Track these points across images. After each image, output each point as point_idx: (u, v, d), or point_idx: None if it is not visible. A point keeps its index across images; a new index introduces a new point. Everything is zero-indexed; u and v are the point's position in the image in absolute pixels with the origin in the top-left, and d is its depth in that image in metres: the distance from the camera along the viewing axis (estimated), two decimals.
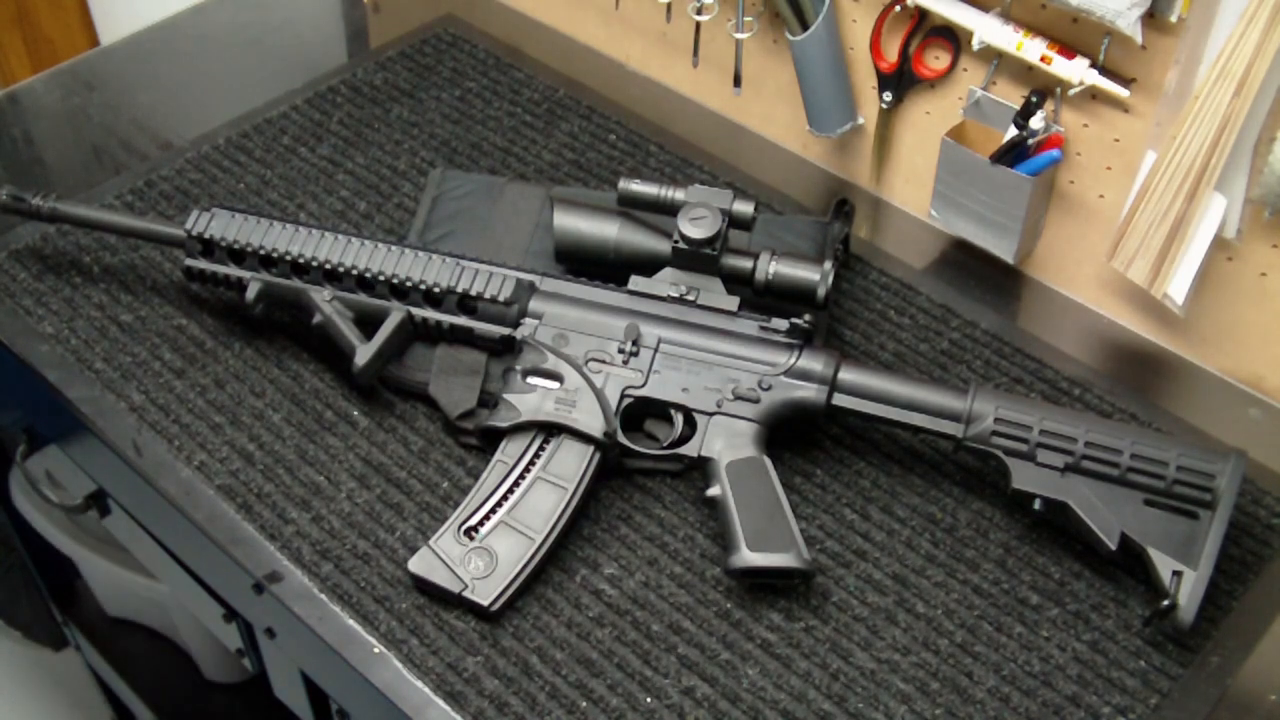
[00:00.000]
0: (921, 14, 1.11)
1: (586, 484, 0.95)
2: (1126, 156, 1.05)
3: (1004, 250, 1.14)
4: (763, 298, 1.01)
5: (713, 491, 0.94)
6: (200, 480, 0.98)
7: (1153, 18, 0.96)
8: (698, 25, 1.27)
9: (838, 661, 0.89)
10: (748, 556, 0.90)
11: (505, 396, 0.97)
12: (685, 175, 1.25)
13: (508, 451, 0.96)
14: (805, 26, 1.15)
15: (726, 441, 0.96)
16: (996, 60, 1.09)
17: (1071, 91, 1.03)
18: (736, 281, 1.01)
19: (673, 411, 0.98)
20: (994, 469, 0.98)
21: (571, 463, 0.95)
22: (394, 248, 1.02)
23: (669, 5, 1.29)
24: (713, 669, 0.88)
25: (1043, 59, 1.03)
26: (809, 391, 0.97)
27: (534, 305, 1.01)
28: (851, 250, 1.17)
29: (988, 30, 1.05)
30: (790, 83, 1.23)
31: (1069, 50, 1.02)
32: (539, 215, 1.14)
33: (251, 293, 1.04)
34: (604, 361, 0.99)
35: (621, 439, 0.97)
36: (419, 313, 1.02)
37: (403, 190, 1.23)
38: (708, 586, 0.93)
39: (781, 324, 0.99)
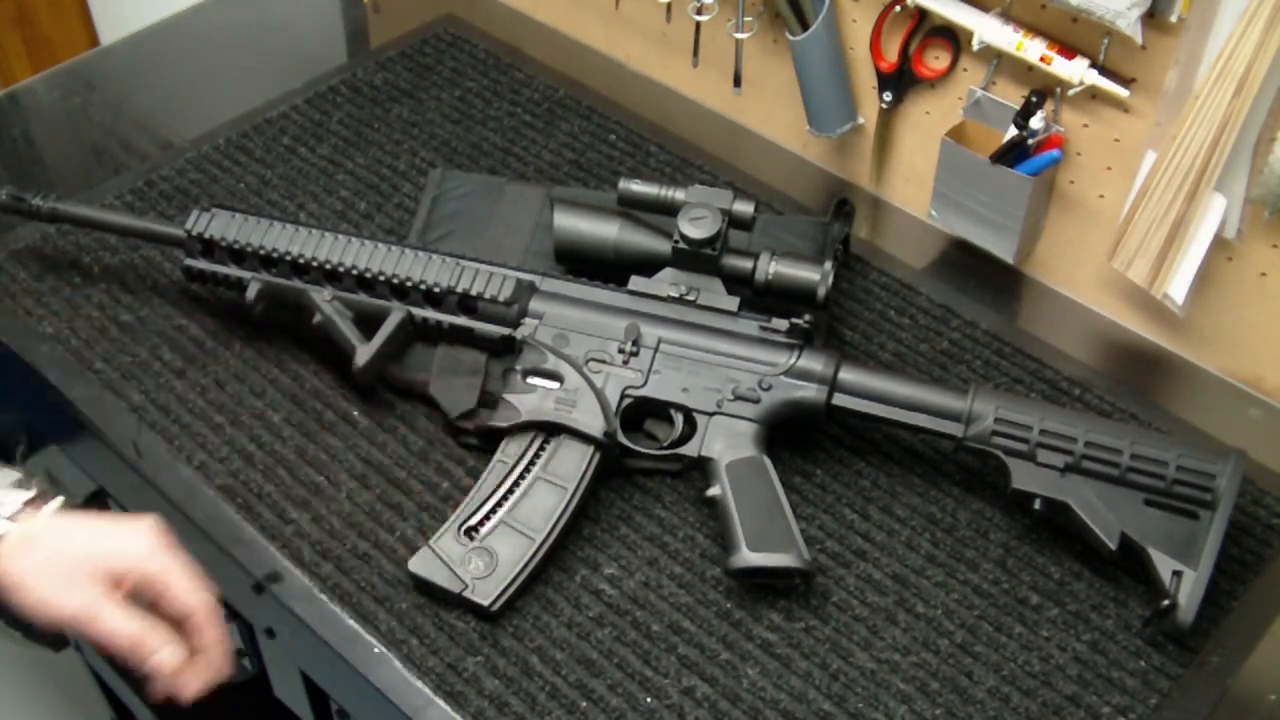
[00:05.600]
0: (921, 14, 1.11)
1: (586, 484, 0.95)
2: (1126, 156, 1.05)
3: (1004, 250, 1.14)
4: (763, 298, 1.01)
5: (713, 491, 0.94)
6: (200, 480, 0.98)
7: (1153, 18, 0.96)
8: (698, 25, 1.27)
9: (838, 661, 0.89)
10: (748, 556, 0.90)
11: (505, 396, 0.97)
12: (685, 175, 1.25)
13: (508, 451, 0.96)
14: (805, 26, 1.15)
15: (726, 441, 0.96)
16: (996, 60, 1.09)
17: (1071, 91, 1.03)
18: (736, 281, 1.01)
19: (673, 411, 0.98)
20: (994, 469, 0.98)
21: (571, 463, 0.95)
22: (394, 248, 1.02)
23: (669, 5, 1.29)
24: (713, 669, 0.88)
25: (1043, 59, 1.03)
26: (809, 391, 0.97)
27: (534, 305, 1.01)
28: (851, 250, 1.17)
29: (988, 30, 1.05)
30: (790, 83, 1.23)
31: (1069, 50, 1.02)
32: (539, 215, 1.14)
33: (251, 293, 1.04)
34: (604, 361, 0.99)
35: (621, 439, 0.97)
36: (419, 313, 1.02)
37: (403, 190, 1.23)
38: (708, 586, 0.93)
39: (782, 324, 0.99)
